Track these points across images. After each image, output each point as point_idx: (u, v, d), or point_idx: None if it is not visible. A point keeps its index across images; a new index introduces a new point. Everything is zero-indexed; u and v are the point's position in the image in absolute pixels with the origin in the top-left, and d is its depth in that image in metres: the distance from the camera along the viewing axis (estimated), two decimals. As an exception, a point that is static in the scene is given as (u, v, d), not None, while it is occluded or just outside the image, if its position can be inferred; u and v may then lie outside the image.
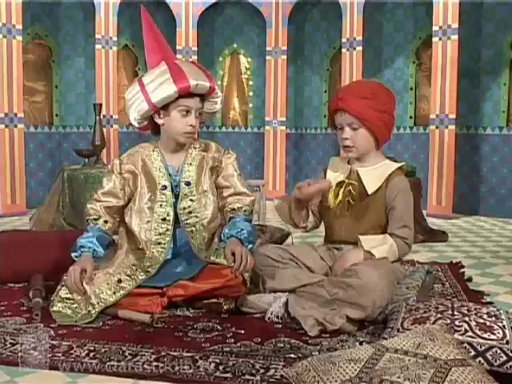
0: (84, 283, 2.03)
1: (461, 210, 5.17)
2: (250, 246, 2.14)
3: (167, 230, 2.17)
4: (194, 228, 2.19)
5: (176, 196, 2.21)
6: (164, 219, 2.17)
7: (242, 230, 2.14)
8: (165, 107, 2.16)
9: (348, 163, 2.33)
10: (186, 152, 2.26)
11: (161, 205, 2.18)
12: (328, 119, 6.16)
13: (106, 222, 2.20)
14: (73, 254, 2.11)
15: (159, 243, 2.16)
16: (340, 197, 2.26)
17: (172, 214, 2.18)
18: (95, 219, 2.20)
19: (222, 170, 2.29)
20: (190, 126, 2.16)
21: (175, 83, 2.10)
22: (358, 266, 2.03)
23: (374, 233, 2.23)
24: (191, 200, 2.20)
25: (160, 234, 2.17)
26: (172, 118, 2.17)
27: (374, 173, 2.25)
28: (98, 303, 2.05)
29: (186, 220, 2.19)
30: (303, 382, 1.42)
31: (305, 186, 2.19)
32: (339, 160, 2.39)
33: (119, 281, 2.11)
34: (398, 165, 2.28)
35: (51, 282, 2.31)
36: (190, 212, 2.19)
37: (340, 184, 2.28)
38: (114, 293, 2.08)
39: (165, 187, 2.20)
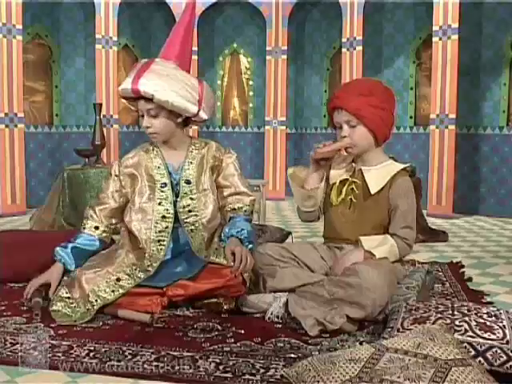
0: (84, 283, 2.05)
1: (461, 210, 5.17)
2: (250, 245, 2.13)
3: (167, 227, 2.16)
4: (193, 227, 2.18)
5: (176, 194, 2.21)
6: (164, 217, 2.17)
7: (242, 229, 2.14)
8: None
9: (352, 162, 2.33)
10: (186, 151, 2.26)
11: (160, 202, 2.18)
12: (328, 119, 6.19)
13: (96, 227, 2.22)
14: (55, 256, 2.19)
15: (159, 241, 2.15)
16: (343, 194, 2.27)
17: (172, 211, 2.17)
18: (86, 225, 2.23)
19: (222, 170, 2.29)
20: (146, 127, 2.17)
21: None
22: (357, 265, 2.03)
23: (375, 233, 2.23)
24: (191, 198, 2.20)
25: (160, 231, 2.16)
26: None
27: (378, 173, 2.25)
28: (96, 301, 2.05)
29: (186, 219, 2.19)
30: (303, 381, 1.42)
31: (320, 147, 2.22)
32: (343, 159, 2.39)
33: (118, 279, 2.11)
34: (403, 166, 2.28)
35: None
36: (190, 211, 2.19)
37: (343, 182, 2.29)
38: (113, 291, 2.08)
39: (165, 185, 2.20)
